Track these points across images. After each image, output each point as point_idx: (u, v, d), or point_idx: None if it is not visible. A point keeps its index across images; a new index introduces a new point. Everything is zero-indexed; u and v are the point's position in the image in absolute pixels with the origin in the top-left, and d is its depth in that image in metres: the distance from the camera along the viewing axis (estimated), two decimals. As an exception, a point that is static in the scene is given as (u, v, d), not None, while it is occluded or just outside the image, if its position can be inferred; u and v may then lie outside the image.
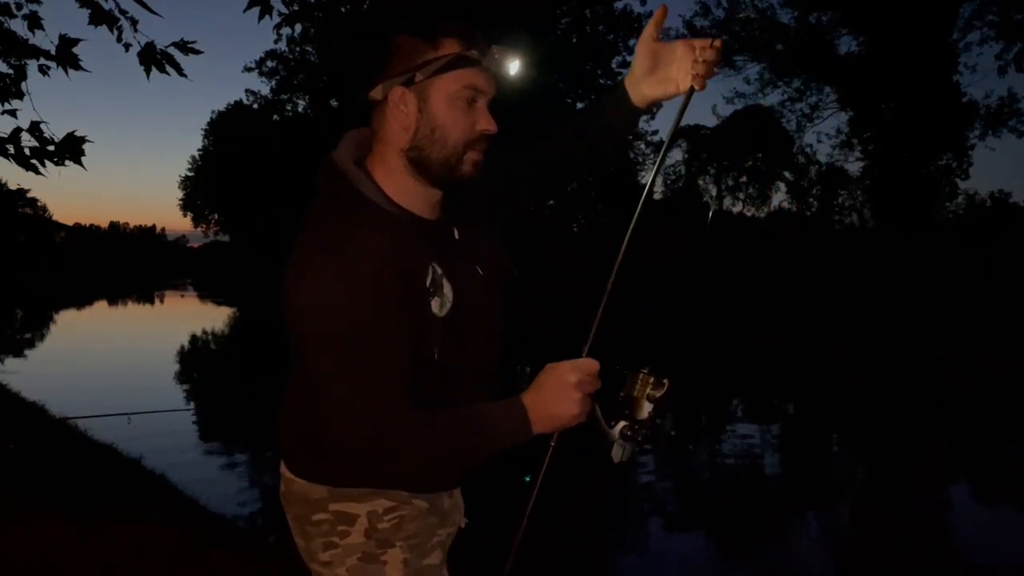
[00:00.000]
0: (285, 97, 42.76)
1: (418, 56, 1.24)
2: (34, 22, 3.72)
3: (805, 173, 29.32)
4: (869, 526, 6.03)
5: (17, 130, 3.57)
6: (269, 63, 40.56)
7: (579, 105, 34.31)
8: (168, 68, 3.68)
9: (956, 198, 25.20)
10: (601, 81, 33.64)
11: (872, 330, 16.02)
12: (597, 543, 5.34)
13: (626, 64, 33.01)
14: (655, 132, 37.46)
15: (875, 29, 21.67)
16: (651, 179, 1.54)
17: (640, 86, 1.46)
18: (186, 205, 67.30)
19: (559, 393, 1.26)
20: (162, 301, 39.00)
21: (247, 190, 45.68)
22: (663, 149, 1.55)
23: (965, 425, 9.91)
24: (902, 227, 20.67)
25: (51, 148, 3.60)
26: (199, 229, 69.78)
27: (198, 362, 16.35)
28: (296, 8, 3.96)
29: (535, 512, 1.34)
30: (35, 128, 3.59)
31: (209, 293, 41.81)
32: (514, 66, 1.29)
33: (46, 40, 3.67)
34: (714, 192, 32.74)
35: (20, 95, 3.75)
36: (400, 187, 1.32)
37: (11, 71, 3.75)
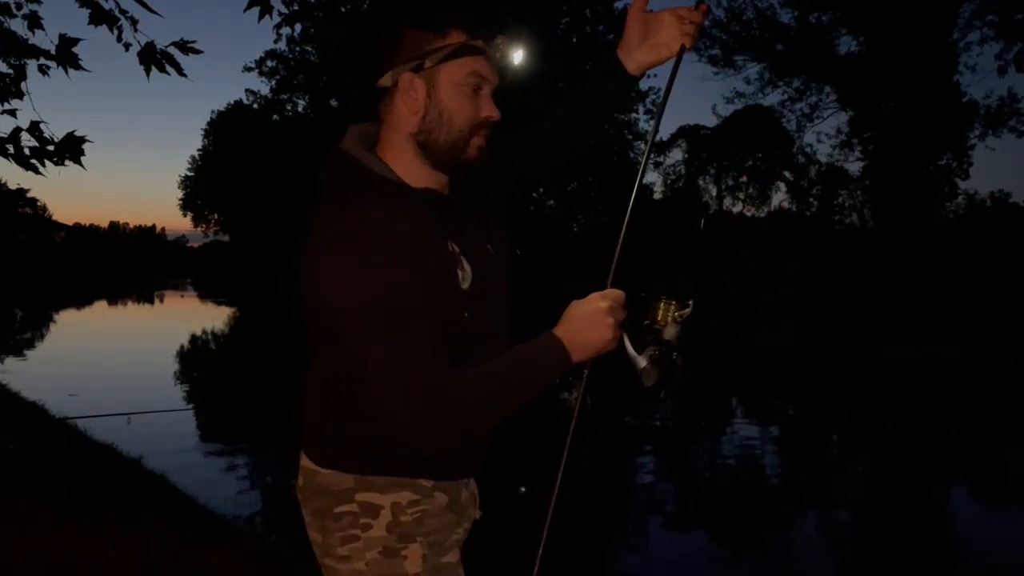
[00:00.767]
0: (285, 97, 42.81)
1: (426, 45, 1.30)
2: (34, 22, 3.72)
3: (805, 173, 29.38)
4: (869, 526, 6.03)
5: (17, 130, 3.57)
6: (269, 63, 40.63)
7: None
8: (168, 68, 3.68)
9: (956, 198, 25.24)
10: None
11: (872, 330, 16.02)
12: (597, 543, 5.34)
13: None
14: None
15: (875, 29, 21.67)
16: (654, 127, 1.63)
17: (634, 55, 1.56)
18: (186, 205, 67.33)
19: (592, 319, 1.32)
20: (162, 301, 39.00)
21: (247, 190, 45.71)
22: (661, 105, 1.57)
23: (965, 425, 9.91)
24: (902, 227, 20.67)
25: (51, 148, 3.60)
26: (199, 229, 69.81)
27: (198, 362, 16.34)
28: (296, 8, 3.96)
29: (566, 476, 1.39)
30: (35, 128, 3.59)
31: (209, 293, 41.83)
32: (517, 56, 1.37)
33: (46, 40, 3.68)
34: (714, 192, 32.76)
35: (20, 95, 3.75)
36: (410, 169, 1.36)
37: (11, 71, 3.75)
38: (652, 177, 35.63)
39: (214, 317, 27.90)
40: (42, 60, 3.68)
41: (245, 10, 3.59)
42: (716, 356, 15.04)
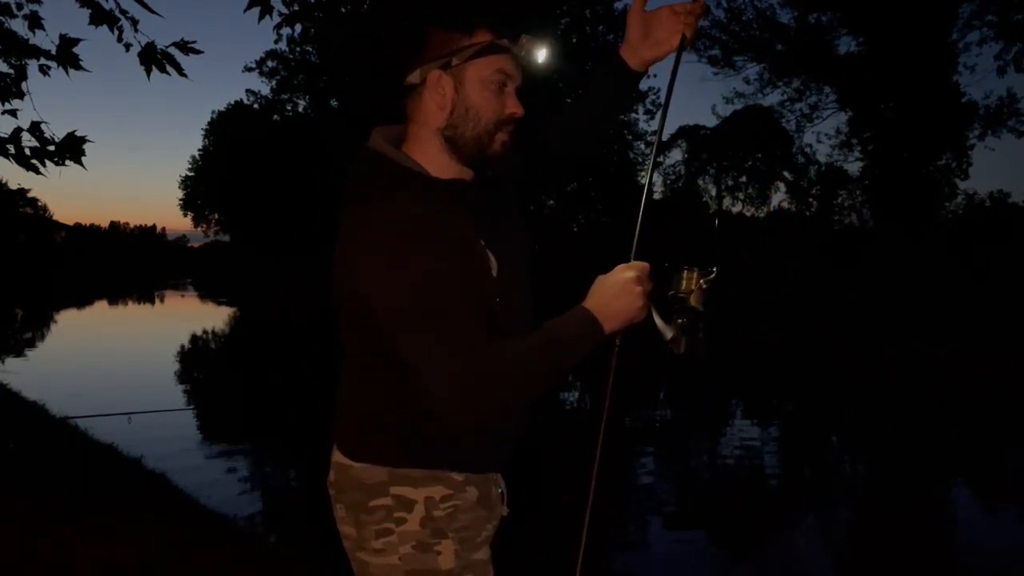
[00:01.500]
0: (285, 97, 42.83)
1: (453, 43, 1.35)
2: (34, 22, 3.73)
3: (805, 173, 29.36)
4: (869, 526, 6.03)
5: (17, 130, 3.57)
6: (269, 63, 40.63)
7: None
8: (168, 68, 3.68)
9: (956, 198, 25.23)
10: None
11: (872, 330, 16.02)
12: (597, 543, 5.33)
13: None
14: (655, 133, 37.14)
15: (875, 29, 21.67)
16: (661, 114, 1.65)
17: (637, 52, 1.61)
18: (186, 205, 67.31)
19: (619, 289, 1.36)
20: (162, 301, 38.99)
21: (247, 190, 45.70)
22: (667, 94, 1.61)
23: (965, 425, 9.91)
24: (902, 227, 20.68)
25: (51, 148, 3.60)
26: (199, 229, 69.78)
27: (198, 362, 16.34)
28: (296, 8, 3.96)
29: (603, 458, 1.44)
30: (35, 128, 3.59)
31: (209, 293, 41.81)
32: (541, 55, 1.41)
33: (46, 40, 3.68)
34: (714, 192, 32.76)
35: (20, 95, 3.75)
36: (437, 163, 1.40)
37: (11, 71, 3.75)
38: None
39: (214, 317, 27.89)
40: (42, 60, 3.68)
41: (245, 10, 3.59)
42: (716, 356, 15.02)
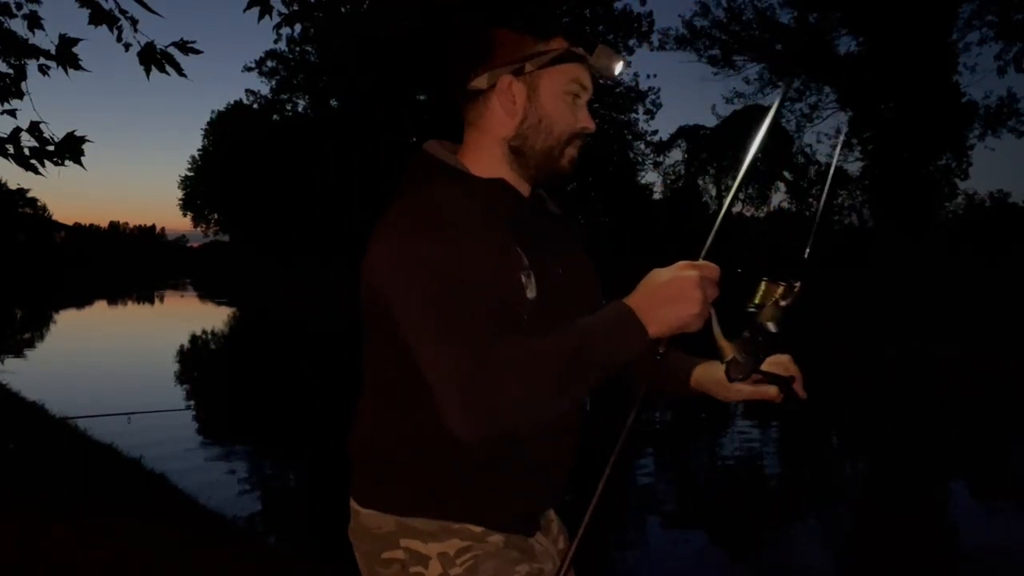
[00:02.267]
0: (285, 97, 42.83)
1: (527, 49, 1.26)
2: (34, 22, 3.72)
3: (805, 173, 29.34)
4: (869, 526, 6.03)
5: (17, 130, 3.57)
6: (269, 63, 40.64)
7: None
8: (168, 68, 3.67)
9: (956, 198, 25.24)
10: (601, 81, 33.57)
11: (872, 330, 16.02)
12: (596, 543, 5.34)
13: (626, 64, 32.96)
14: (655, 132, 37.37)
15: (875, 29, 21.68)
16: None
17: (723, 385, 1.47)
18: (186, 205, 67.36)
19: (676, 289, 1.12)
20: (162, 301, 38.98)
21: (247, 190, 45.71)
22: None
23: (965, 425, 9.91)
24: (902, 227, 20.67)
25: (51, 148, 3.60)
26: (199, 229, 69.85)
27: (198, 362, 16.34)
28: (296, 8, 3.96)
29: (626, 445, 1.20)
30: (35, 128, 3.58)
31: (209, 293, 41.80)
32: (617, 67, 1.31)
33: (46, 40, 3.67)
34: (714, 192, 32.75)
35: (20, 95, 3.75)
36: (492, 172, 1.31)
37: (11, 71, 3.75)
38: (652, 177, 35.65)
39: (214, 317, 27.88)
40: (42, 60, 3.68)
41: (245, 10, 3.59)
42: (715, 355, 15.00)
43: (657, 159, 34.14)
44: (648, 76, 61.29)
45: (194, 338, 19.94)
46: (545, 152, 1.29)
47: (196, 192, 64.35)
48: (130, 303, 36.07)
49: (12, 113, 3.70)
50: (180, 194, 66.98)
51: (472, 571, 1.25)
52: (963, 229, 23.70)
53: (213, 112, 61.15)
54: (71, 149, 3.62)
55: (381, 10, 28.97)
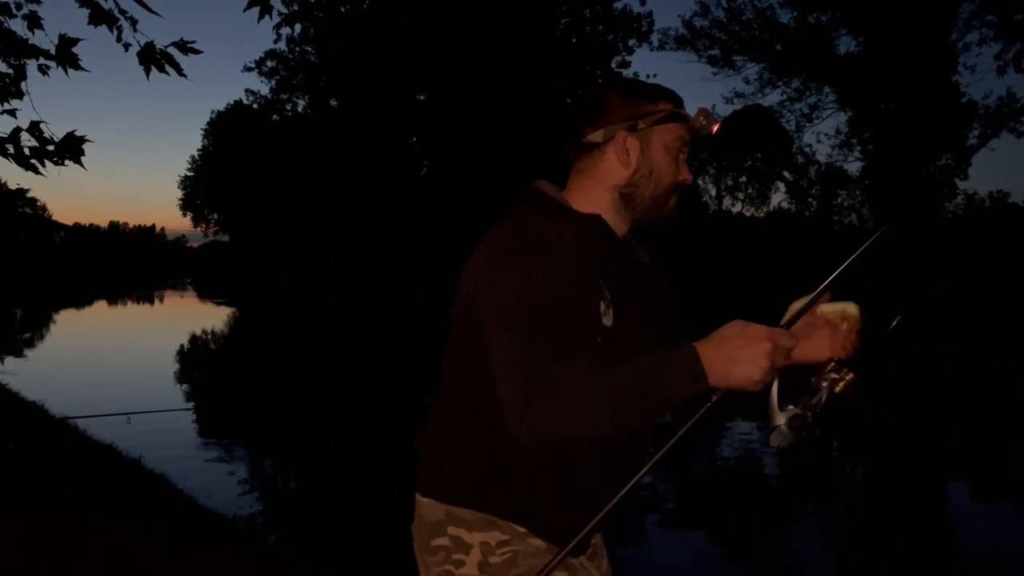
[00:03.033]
0: (285, 97, 42.82)
1: (639, 109, 1.42)
2: (34, 22, 3.72)
3: (805, 173, 29.34)
4: (869, 526, 6.03)
5: (17, 130, 3.56)
6: (269, 63, 40.61)
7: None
8: (168, 68, 3.67)
9: (955, 198, 25.23)
10: (601, 81, 33.54)
11: (872, 330, 15.98)
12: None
13: (626, 64, 33.03)
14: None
15: (875, 29, 21.67)
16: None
17: None
18: (186, 205, 67.37)
19: (748, 354, 1.18)
20: (162, 301, 39.00)
21: (247, 190, 45.71)
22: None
23: (965, 425, 9.91)
24: (901, 226, 20.66)
25: (51, 148, 3.59)
26: (199, 229, 69.88)
27: (198, 362, 16.34)
28: (296, 8, 3.96)
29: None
30: (35, 128, 3.58)
31: (209, 293, 41.80)
32: (714, 127, 1.46)
33: (46, 40, 3.67)
34: (714, 192, 32.76)
35: (20, 95, 3.74)
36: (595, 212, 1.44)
37: (11, 71, 3.74)
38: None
39: (214, 317, 27.89)
40: (42, 60, 3.67)
41: (245, 10, 3.58)
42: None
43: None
44: (648, 76, 61.11)
45: (194, 338, 19.95)
46: (653, 200, 1.45)
47: (196, 192, 64.36)
48: (130, 303, 36.07)
49: (12, 113, 3.70)
50: (180, 194, 67.09)
51: (510, 564, 1.35)
52: (963, 229, 23.67)
53: (213, 112, 61.19)
54: (71, 149, 3.61)
55: (381, 10, 29.00)
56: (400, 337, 19.39)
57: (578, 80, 31.82)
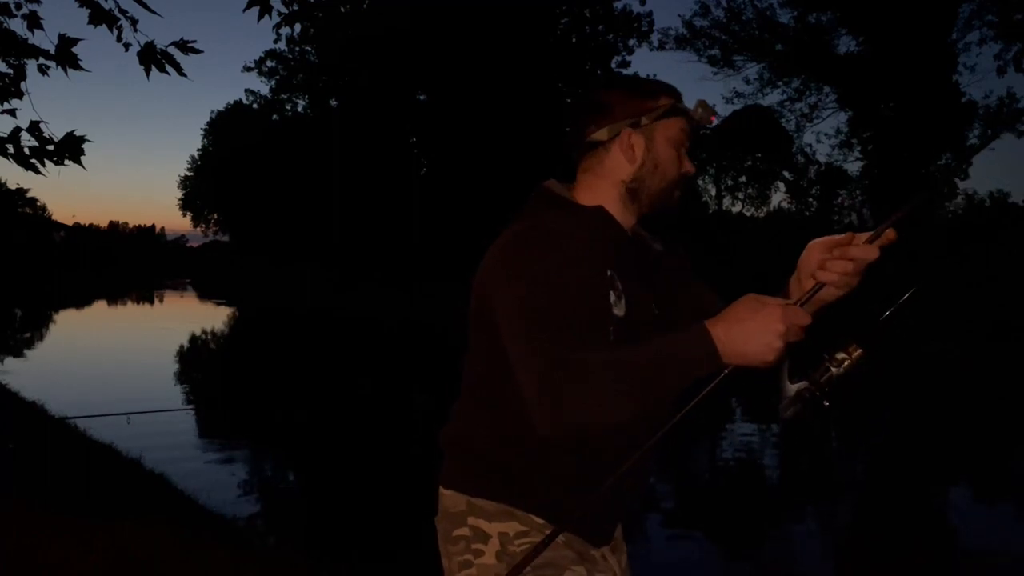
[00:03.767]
0: (285, 97, 42.82)
1: (641, 105, 1.47)
2: (33, 21, 3.71)
3: (804, 173, 29.33)
4: (869, 526, 6.03)
5: (16, 130, 3.56)
6: (269, 63, 40.64)
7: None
8: (168, 68, 3.66)
9: (955, 198, 25.23)
10: (602, 81, 33.57)
11: (871, 329, 15.99)
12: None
13: (625, 64, 33.03)
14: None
15: (874, 29, 21.67)
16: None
17: None
18: (186, 205, 67.37)
19: (759, 331, 1.20)
20: (161, 301, 39.00)
21: (246, 190, 45.71)
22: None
23: (965, 425, 9.92)
24: (901, 227, 20.64)
25: (51, 148, 3.59)
26: (198, 229, 69.89)
27: (198, 362, 16.34)
28: (296, 8, 3.95)
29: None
30: (34, 128, 3.58)
31: (208, 293, 41.79)
32: (713, 120, 1.51)
33: (45, 40, 3.66)
34: (714, 192, 32.76)
35: (19, 95, 3.73)
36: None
37: (10, 71, 3.74)
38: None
39: (213, 317, 27.89)
40: (42, 60, 3.66)
41: (245, 10, 3.58)
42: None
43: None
44: (648, 76, 61.22)
45: (194, 338, 19.95)
46: (659, 192, 1.49)
47: (196, 192, 64.36)
48: (130, 303, 36.07)
49: (12, 113, 3.69)
50: (180, 194, 67.09)
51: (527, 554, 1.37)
52: (963, 229, 23.66)
53: (213, 112, 61.18)
54: (71, 149, 3.61)
55: (381, 10, 28.99)
56: (400, 337, 19.40)
57: (578, 80, 31.83)
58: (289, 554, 4.65)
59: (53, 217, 71.71)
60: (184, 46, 3.64)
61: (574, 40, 32.63)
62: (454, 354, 1.68)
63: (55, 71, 3.68)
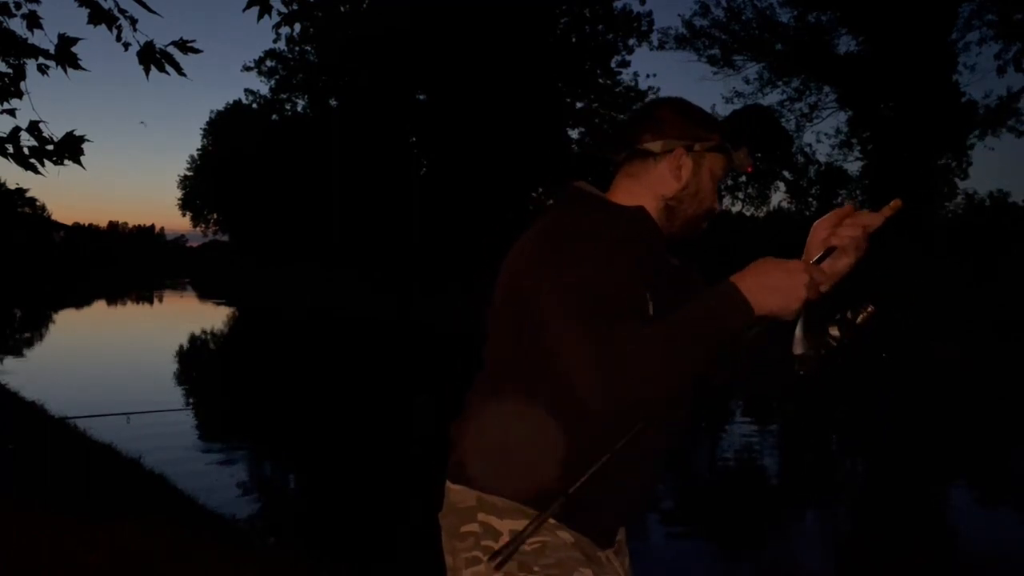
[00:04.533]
0: (284, 97, 42.78)
1: (696, 132, 1.52)
2: (33, 21, 3.71)
3: (804, 173, 29.33)
4: (869, 526, 6.03)
5: (16, 129, 3.56)
6: (268, 63, 40.57)
7: (578, 105, 34.34)
8: (167, 67, 3.66)
9: (955, 198, 25.23)
10: (600, 81, 33.61)
11: (870, 330, 15.99)
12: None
13: (625, 64, 33.02)
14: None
15: (874, 29, 21.66)
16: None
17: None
18: (185, 205, 67.37)
19: (787, 282, 1.25)
20: (161, 301, 39.00)
21: (246, 190, 45.69)
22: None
23: (965, 425, 9.91)
24: (901, 227, 20.66)
25: (50, 147, 3.59)
26: (198, 229, 69.91)
27: (197, 362, 16.34)
28: (296, 8, 3.95)
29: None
30: (34, 127, 3.57)
31: (208, 293, 41.79)
32: (749, 168, 1.58)
33: (45, 39, 3.66)
34: (713, 192, 32.72)
35: (19, 94, 3.73)
36: None
37: (10, 70, 3.74)
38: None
39: (213, 317, 27.88)
40: (41, 60, 3.66)
41: (244, 10, 3.58)
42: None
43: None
44: (648, 76, 61.19)
45: (193, 338, 19.94)
46: (691, 218, 1.54)
47: (195, 192, 64.35)
48: (129, 303, 36.07)
49: (11, 113, 3.69)
50: (179, 194, 67.09)
51: (538, 554, 1.36)
52: (963, 229, 23.66)
53: (212, 112, 61.20)
54: (71, 149, 3.60)
55: (381, 10, 28.98)
56: (399, 337, 19.39)
57: (578, 80, 31.82)
58: (289, 554, 4.65)
59: (53, 217, 71.73)
60: (184, 46, 3.64)
61: (574, 40, 32.61)
62: (454, 354, 1.68)
63: (55, 71, 3.68)
